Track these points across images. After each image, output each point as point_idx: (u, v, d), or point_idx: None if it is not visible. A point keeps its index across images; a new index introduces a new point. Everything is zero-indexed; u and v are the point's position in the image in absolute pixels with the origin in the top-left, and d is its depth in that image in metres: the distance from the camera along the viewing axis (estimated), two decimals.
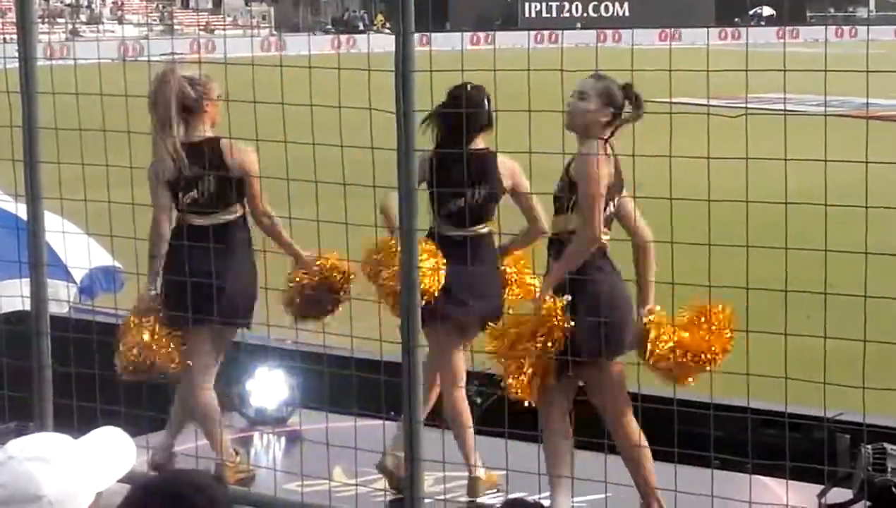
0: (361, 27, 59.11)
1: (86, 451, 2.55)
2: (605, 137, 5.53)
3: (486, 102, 5.99)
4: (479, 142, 6.01)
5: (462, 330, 6.01)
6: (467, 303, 5.90)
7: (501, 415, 5.46)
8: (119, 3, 58.88)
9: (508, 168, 6.00)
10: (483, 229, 6.01)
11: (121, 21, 54.54)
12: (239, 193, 6.12)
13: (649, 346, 5.41)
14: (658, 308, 5.52)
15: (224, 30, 54.15)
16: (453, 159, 5.74)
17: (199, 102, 6.10)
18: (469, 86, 5.99)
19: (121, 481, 2.59)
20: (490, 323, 5.68)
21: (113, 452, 2.59)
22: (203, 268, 5.88)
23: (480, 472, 6.01)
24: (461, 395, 6.07)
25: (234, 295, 6.03)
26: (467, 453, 5.98)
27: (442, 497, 5.99)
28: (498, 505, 2.34)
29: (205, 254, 5.86)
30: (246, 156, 6.06)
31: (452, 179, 5.82)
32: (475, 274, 5.88)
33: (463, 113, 5.70)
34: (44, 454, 2.50)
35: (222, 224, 6.08)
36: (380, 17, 60.09)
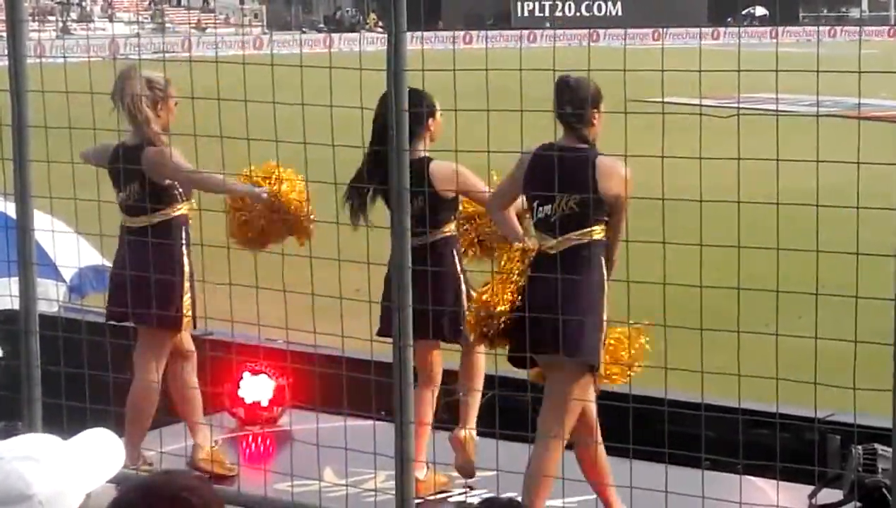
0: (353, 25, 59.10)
1: (75, 452, 2.55)
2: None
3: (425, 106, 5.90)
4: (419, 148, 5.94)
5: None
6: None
7: (492, 415, 5.45)
8: (110, 0, 58.80)
9: (444, 174, 5.91)
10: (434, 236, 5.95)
11: (111, 19, 54.43)
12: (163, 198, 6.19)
13: None
14: None
15: (216, 28, 54.13)
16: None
17: (154, 105, 6.14)
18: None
19: (110, 482, 2.59)
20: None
21: (102, 453, 2.59)
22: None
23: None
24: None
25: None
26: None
27: (432, 496, 5.99)
28: (475, 504, 2.33)
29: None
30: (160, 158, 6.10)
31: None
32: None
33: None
34: (33, 454, 2.50)
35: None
36: (372, 15, 60.10)
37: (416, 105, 5.70)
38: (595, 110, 5.47)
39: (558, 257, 5.35)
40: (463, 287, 6.04)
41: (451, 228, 6.06)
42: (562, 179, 5.31)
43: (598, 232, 5.40)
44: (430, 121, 6.03)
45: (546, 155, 5.38)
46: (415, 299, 5.27)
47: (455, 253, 6.05)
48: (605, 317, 5.41)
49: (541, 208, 5.43)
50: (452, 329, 6.02)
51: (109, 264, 6.63)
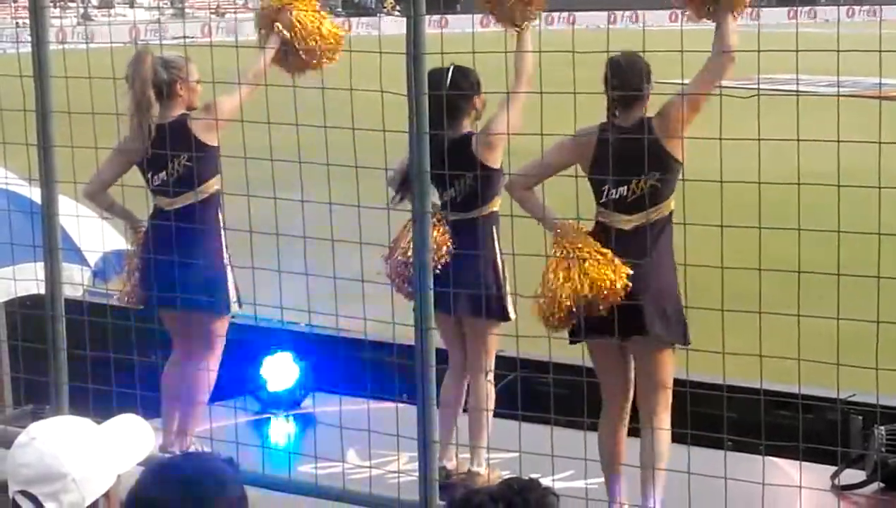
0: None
1: (107, 434, 2.59)
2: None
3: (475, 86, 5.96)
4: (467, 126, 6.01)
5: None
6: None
7: (515, 397, 5.47)
8: None
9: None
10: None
11: (132, 5, 54.49)
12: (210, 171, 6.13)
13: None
14: None
15: (235, 12, 54.09)
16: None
17: (171, 85, 6.12)
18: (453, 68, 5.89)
19: (140, 465, 2.63)
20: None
21: (133, 437, 2.64)
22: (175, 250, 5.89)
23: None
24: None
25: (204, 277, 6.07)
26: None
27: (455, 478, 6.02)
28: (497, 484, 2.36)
29: (175, 237, 5.90)
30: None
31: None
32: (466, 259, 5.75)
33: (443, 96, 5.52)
34: (67, 435, 2.56)
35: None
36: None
37: (464, 82, 5.85)
38: (648, 85, 5.46)
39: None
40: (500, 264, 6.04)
41: (498, 204, 6.04)
42: (637, 159, 5.24)
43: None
44: (476, 99, 6.04)
45: (619, 136, 5.34)
46: (461, 275, 5.47)
47: (496, 230, 6.04)
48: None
49: (613, 190, 5.38)
50: (498, 306, 6.02)
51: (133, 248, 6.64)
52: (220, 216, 6.20)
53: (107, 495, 2.56)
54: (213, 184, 6.15)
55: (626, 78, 5.38)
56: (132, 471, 2.59)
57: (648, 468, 5.35)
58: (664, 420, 5.43)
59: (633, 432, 5.59)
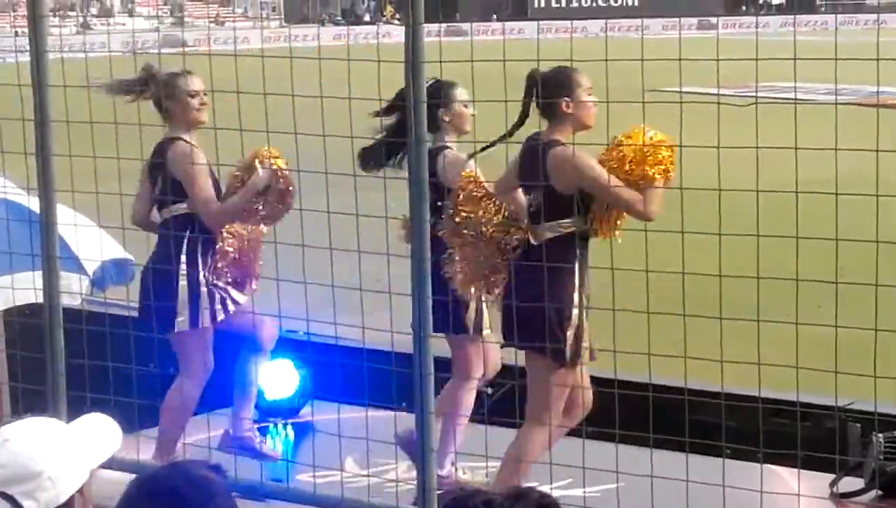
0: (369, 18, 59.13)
1: (76, 433, 2.65)
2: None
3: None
4: None
5: None
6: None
7: (513, 407, 5.48)
8: None
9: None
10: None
11: (131, 14, 54.57)
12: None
13: None
14: None
15: (234, 21, 54.19)
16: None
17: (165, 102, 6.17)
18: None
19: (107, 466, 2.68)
20: None
21: (101, 434, 2.71)
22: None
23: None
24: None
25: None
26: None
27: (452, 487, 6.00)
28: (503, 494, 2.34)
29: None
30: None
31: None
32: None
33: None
34: (39, 434, 2.61)
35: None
36: (389, 7, 60.07)
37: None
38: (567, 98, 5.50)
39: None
40: None
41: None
42: (534, 171, 5.44)
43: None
44: (442, 112, 6.06)
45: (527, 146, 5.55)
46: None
47: None
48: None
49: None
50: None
51: (132, 257, 6.66)
52: (196, 235, 6.15)
53: (81, 491, 2.59)
54: (184, 208, 6.16)
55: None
56: (111, 479, 2.61)
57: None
58: (529, 432, 5.53)
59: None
